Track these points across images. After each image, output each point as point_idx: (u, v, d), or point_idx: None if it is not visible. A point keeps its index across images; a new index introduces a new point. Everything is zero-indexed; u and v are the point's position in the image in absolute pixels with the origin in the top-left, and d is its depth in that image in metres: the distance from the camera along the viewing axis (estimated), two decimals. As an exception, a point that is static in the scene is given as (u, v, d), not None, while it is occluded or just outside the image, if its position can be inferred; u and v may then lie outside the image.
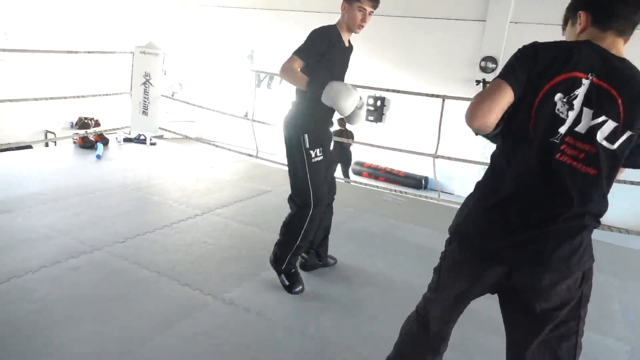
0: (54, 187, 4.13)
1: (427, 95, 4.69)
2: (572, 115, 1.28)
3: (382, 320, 2.56)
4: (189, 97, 10.27)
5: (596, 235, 4.52)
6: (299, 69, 2.47)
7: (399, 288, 2.95)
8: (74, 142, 5.76)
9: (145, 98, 5.58)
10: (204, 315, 2.45)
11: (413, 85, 9.52)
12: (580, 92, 1.28)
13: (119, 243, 3.15)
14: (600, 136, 1.28)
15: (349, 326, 2.48)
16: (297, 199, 2.66)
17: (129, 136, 6.22)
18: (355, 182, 5.63)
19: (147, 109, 5.60)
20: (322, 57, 2.51)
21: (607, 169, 1.32)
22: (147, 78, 5.54)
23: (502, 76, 1.33)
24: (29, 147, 7.19)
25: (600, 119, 1.28)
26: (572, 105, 1.28)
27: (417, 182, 10.27)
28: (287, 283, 2.75)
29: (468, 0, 9.47)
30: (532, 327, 1.41)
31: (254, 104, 6.51)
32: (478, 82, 9.36)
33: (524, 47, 1.37)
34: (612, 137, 1.28)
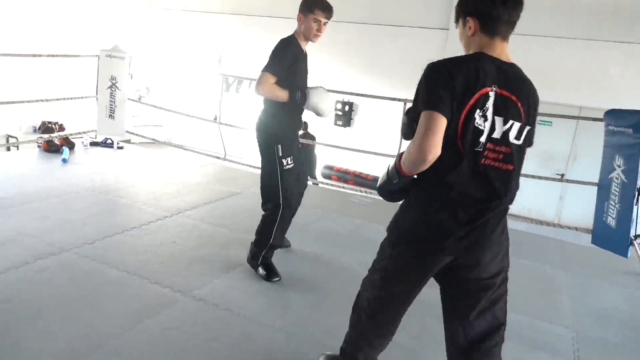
0: (18, 191, 4.09)
1: (389, 99, 4.88)
2: (487, 125, 1.50)
3: (346, 313, 2.68)
4: (156, 101, 10.19)
5: (548, 232, 4.79)
6: (274, 83, 2.66)
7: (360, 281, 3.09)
8: (39, 146, 5.68)
9: (111, 102, 5.57)
10: (173, 311, 2.52)
11: (378, 90, 9.75)
12: (490, 104, 1.48)
13: (87, 244, 3.17)
14: (511, 137, 1.54)
15: (314, 319, 2.60)
16: (270, 202, 2.90)
17: (95, 140, 6.17)
18: (323, 183, 5.77)
19: (113, 113, 5.59)
20: (289, 68, 2.70)
21: (519, 162, 1.59)
22: (114, 82, 5.53)
23: (432, 106, 1.46)
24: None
25: (509, 124, 1.52)
26: (487, 117, 1.49)
27: (385, 185, 10.50)
28: (264, 273, 2.96)
29: (431, 10, 9.80)
30: (476, 297, 1.64)
31: (223, 107, 6.57)
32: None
33: (437, 68, 1.51)
34: (518, 135, 1.55)
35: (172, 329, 2.37)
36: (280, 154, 2.80)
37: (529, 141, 1.61)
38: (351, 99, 10.57)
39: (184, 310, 2.54)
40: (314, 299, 2.82)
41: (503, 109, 1.50)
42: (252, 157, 4.34)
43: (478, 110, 1.47)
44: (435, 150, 1.45)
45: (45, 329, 2.25)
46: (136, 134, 6.33)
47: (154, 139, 6.60)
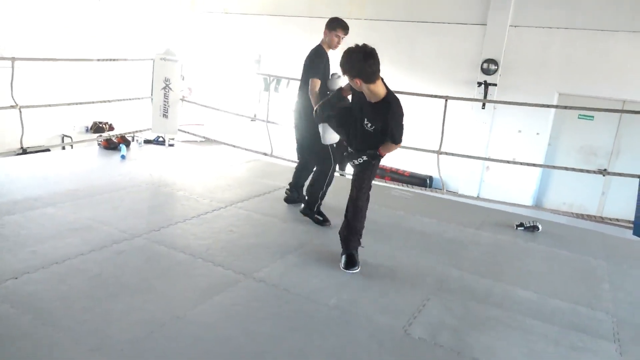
0: (87, 185, 4.48)
1: (430, 96, 5.03)
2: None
3: (393, 294, 2.90)
4: (198, 100, 10.63)
5: (590, 226, 4.83)
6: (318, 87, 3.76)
7: (407, 267, 3.29)
8: (99, 144, 6.12)
9: (165, 102, 5.94)
10: (237, 290, 2.79)
11: (416, 87, 9.85)
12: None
13: (154, 231, 3.49)
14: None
15: (365, 299, 2.82)
16: (324, 163, 3.86)
17: (148, 138, 6.58)
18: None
19: (167, 112, 5.97)
20: (323, 71, 3.79)
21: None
22: (167, 83, 5.91)
23: None
24: (47, 150, 7.57)
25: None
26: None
27: (422, 181, 10.58)
28: (320, 219, 3.90)
29: (469, 6, 9.81)
30: None
31: (265, 106, 6.86)
32: (480, 84, 9.70)
33: None
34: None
35: (237, 305, 2.64)
36: None
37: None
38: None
39: (247, 289, 2.81)
40: (364, 282, 3.03)
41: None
42: (293, 154, 4.59)
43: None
44: None
45: (130, 301, 2.56)
46: (187, 132, 6.71)
47: (204, 137, 6.96)
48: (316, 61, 3.81)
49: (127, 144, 6.21)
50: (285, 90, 12.38)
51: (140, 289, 2.69)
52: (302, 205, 4.05)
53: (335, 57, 3.58)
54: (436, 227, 4.20)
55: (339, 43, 3.91)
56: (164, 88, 5.91)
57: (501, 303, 2.93)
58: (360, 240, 3.29)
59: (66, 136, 10.64)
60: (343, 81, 3.49)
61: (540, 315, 2.84)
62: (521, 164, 5.16)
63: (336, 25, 3.88)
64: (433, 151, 4.83)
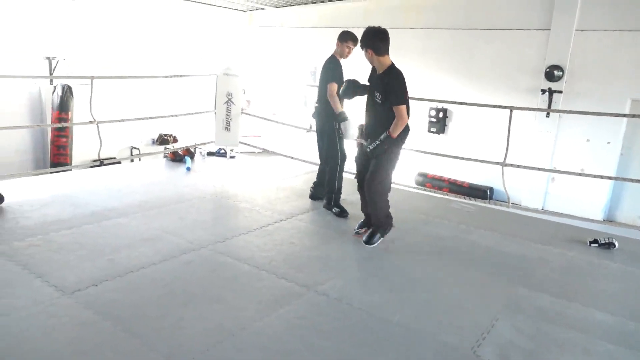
0: (156, 196, 4.71)
1: (495, 106, 4.88)
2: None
3: (459, 313, 2.82)
4: (255, 112, 10.93)
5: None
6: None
7: (474, 285, 3.19)
8: (165, 157, 6.43)
9: (227, 115, 6.15)
10: (301, 303, 2.82)
11: (474, 97, 9.61)
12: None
13: (220, 243, 3.61)
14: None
15: (430, 316, 2.76)
16: (332, 160, 4.43)
17: (211, 150, 6.84)
18: (426, 190, 5.86)
19: (229, 125, 6.17)
20: (339, 77, 4.34)
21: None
22: (229, 97, 6.12)
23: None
24: (118, 162, 8.04)
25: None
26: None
27: (482, 193, 10.26)
28: (338, 211, 4.38)
29: (531, 11, 9.48)
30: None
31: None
32: (544, 91, 9.31)
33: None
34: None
35: (301, 318, 2.67)
36: (337, 127, 4.24)
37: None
38: (445, 105, 10.50)
39: (310, 302, 2.84)
40: (428, 298, 2.98)
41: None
42: (351, 165, 4.62)
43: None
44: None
45: (200, 310, 2.66)
46: (248, 144, 6.90)
47: (263, 149, 7.13)
48: (332, 67, 4.39)
49: (192, 156, 6.49)
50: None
51: (208, 299, 2.79)
52: (324, 201, 4.58)
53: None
54: (501, 242, 4.05)
55: (349, 53, 4.48)
56: (227, 102, 6.12)
57: (576, 325, 2.78)
58: (391, 223, 3.77)
59: (134, 148, 11.27)
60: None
61: (621, 340, 2.66)
62: (590, 176, 4.87)
63: (347, 38, 4.44)
64: (497, 163, 4.68)
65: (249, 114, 8.49)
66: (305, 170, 6.36)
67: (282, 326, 2.57)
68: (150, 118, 6.05)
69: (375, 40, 3.58)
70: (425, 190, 6.40)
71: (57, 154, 9.19)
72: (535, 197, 9.68)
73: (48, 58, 9.52)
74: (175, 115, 6.34)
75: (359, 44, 4.06)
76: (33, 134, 9.62)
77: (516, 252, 3.84)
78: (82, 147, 9.28)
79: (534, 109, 5.19)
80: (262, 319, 2.62)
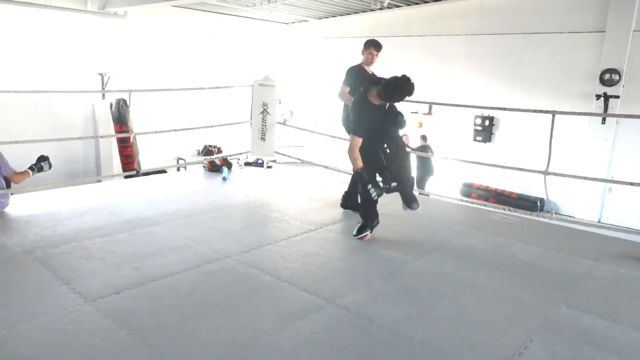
0: (189, 205, 4.77)
1: (533, 111, 4.61)
2: None
3: (489, 332, 2.62)
4: (298, 123, 10.98)
5: None
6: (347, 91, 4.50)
7: (508, 302, 2.97)
8: (204, 167, 6.54)
9: (263, 125, 6.18)
10: (320, 317, 2.72)
11: (523, 104, 9.20)
12: None
13: (245, 253, 3.58)
14: None
15: (455, 335, 2.58)
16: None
17: (248, 160, 6.89)
18: (464, 200, 5.61)
19: (264, 136, 6.20)
20: (353, 82, 4.49)
21: None
22: (265, 107, 6.15)
23: None
24: (164, 171, 8.29)
25: None
26: None
27: (532, 204, 9.75)
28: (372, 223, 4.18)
29: (584, 13, 8.98)
30: None
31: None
32: (599, 96, 8.75)
33: None
34: None
35: (319, 332, 2.57)
36: None
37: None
38: (491, 113, 10.12)
39: (329, 316, 2.73)
40: (457, 315, 2.79)
41: None
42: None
43: None
44: None
45: (215, 321, 2.62)
46: (283, 154, 6.90)
47: (299, 159, 7.12)
48: (348, 72, 4.61)
49: (229, 166, 6.56)
50: (382, 110, 12.28)
51: (225, 310, 2.74)
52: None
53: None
54: (543, 256, 3.77)
55: (372, 59, 4.59)
56: (262, 112, 6.15)
57: (622, 350, 2.51)
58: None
59: (180, 159, 11.62)
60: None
61: (675, 369, 2.37)
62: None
63: (369, 45, 4.56)
64: (539, 171, 4.39)
65: (290, 125, 8.52)
66: (341, 180, 6.26)
67: (297, 341, 2.48)
68: (185, 129, 6.20)
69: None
70: (461, 201, 6.14)
71: (126, 163, 9.69)
72: (590, 209, 9.09)
73: (101, 74, 10.03)
74: (211, 126, 6.44)
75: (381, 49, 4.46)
76: (85, 147, 10.13)
77: (559, 268, 3.56)
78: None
79: (578, 113, 4.85)
80: (277, 332, 2.54)
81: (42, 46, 9.18)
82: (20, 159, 4.83)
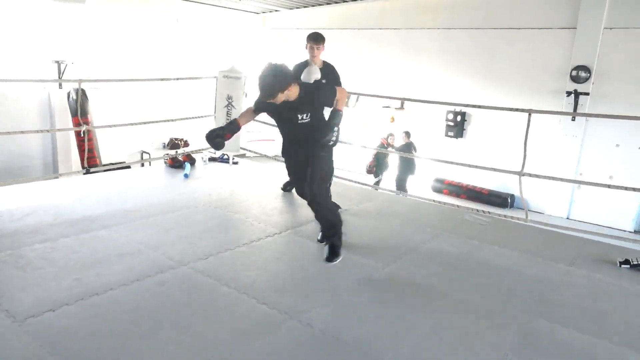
0: (146, 204, 4.42)
1: (511, 109, 4.45)
2: None
3: (464, 351, 2.42)
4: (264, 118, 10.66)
5: None
6: None
7: (482, 315, 2.78)
8: (165, 162, 6.17)
9: (227, 119, 5.85)
10: (280, 334, 2.47)
11: (495, 99, 9.13)
12: None
13: (202, 260, 3.29)
14: None
15: (427, 353, 2.37)
16: None
17: (213, 156, 6.55)
18: (435, 201, 5.45)
19: (230, 130, 5.86)
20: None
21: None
22: (230, 101, 5.82)
23: None
24: (128, 167, 7.85)
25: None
26: None
27: (503, 201, 9.76)
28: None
29: (556, 9, 8.95)
30: None
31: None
32: (569, 93, 8.76)
33: None
34: None
35: (277, 353, 2.32)
36: None
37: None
38: (463, 108, 10.03)
39: (291, 334, 2.48)
40: (427, 330, 2.59)
41: None
42: (358, 173, 4.24)
43: None
44: None
45: (163, 341, 2.33)
46: (249, 150, 6.60)
47: (264, 155, 6.82)
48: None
49: (193, 162, 6.20)
50: (354, 105, 12.09)
51: (176, 328, 2.46)
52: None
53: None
54: (518, 261, 3.62)
55: (314, 54, 4.45)
56: (227, 106, 5.82)
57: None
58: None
59: (145, 152, 11.11)
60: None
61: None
62: (620, 188, 4.38)
63: (308, 39, 4.45)
64: (515, 172, 4.24)
65: (257, 120, 8.19)
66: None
67: (253, 364, 2.22)
68: (144, 123, 5.80)
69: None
70: (432, 201, 5.99)
71: (90, 157, 9.06)
72: (559, 205, 9.14)
73: (57, 62, 9.44)
74: (173, 120, 6.07)
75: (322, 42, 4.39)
76: (42, 139, 9.54)
77: (535, 274, 3.40)
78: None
79: (555, 112, 4.74)
80: (232, 353, 2.27)
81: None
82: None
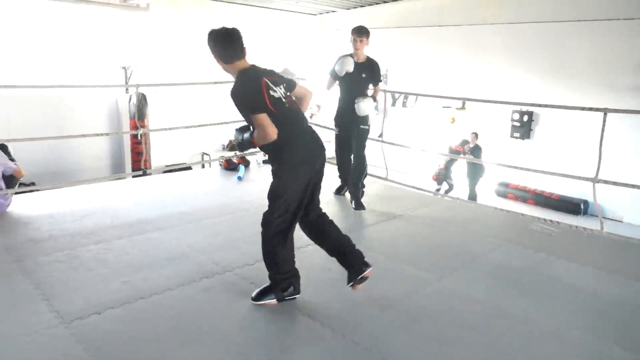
0: (199, 207, 4.46)
1: (583, 109, 4.05)
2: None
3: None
4: (326, 118, 10.58)
5: None
6: None
7: (547, 338, 2.50)
8: (220, 165, 6.24)
9: (280, 121, 5.81)
10: (322, 348, 2.34)
11: (566, 98, 8.49)
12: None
13: (248, 265, 3.22)
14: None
15: (484, 381, 2.14)
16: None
17: (266, 158, 6.54)
18: (497, 208, 5.09)
19: (283, 132, 5.82)
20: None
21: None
22: (283, 102, 5.77)
23: None
24: (189, 168, 8.05)
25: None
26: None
27: (574, 207, 9.04)
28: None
29: (635, -4, 8.16)
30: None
31: (386, 123, 6.35)
32: (652, 89, 7.96)
33: None
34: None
35: (320, 370, 2.19)
36: None
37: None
38: (530, 107, 9.42)
39: (333, 349, 2.34)
40: (484, 354, 2.35)
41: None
42: (416, 177, 4.04)
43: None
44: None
45: (201, 351, 2.27)
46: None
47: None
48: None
49: (247, 164, 6.24)
50: (413, 105, 11.74)
51: (213, 339, 2.39)
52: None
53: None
54: (591, 278, 3.25)
55: (356, 46, 4.52)
56: (280, 108, 5.78)
57: None
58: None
59: (206, 154, 11.41)
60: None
61: None
62: None
63: (351, 31, 4.54)
64: (587, 179, 3.84)
65: (313, 123, 8.14)
66: (367, 180, 5.83)
67: (292, 382, 2.10)
68: (200, 126, 5.96)
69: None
70: (495, 208, 5.63)
71: (136, 161, 9.45)
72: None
73: (124, 68, 9.89)
74: (225, 123, 6.11)
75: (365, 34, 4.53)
76: (111, 141, 10.04)
77: (610, 294, 3.03)
78: (158, 153, 9.53)
79: (634, 112, 4.26)
80: (270, 369, 2.17)
81: (66, 39, 9.09)
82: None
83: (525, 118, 9.62)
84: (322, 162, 2.72)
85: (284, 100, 2.59)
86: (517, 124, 9.72)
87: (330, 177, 4.85)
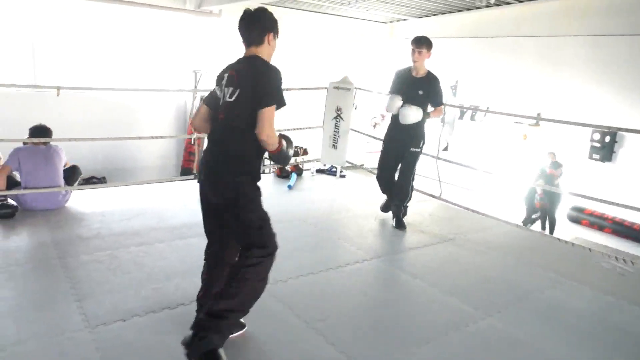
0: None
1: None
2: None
3: None
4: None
5: None
6: None
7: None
8: (272, 172, 6.22)
9: (335, 132, 5.69)
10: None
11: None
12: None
13: (281, 282, 3.10)
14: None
15: None
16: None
17: (321, 167, 6.44)
18: (561, 240, 4.62)
19: (336, 143, 5.70)
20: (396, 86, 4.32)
21: (228, 113, 2.36)
22: (339, 112, 5.65)
23: None
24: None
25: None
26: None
27: (660, 239, 8.10)
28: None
29: None
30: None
31: (448, 138, 6.04)
32: None
33: None
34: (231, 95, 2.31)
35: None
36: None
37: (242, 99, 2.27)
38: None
39: (355, 388, 2.15)
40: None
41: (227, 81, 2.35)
42: (469, 198, 3.73)
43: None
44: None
45: (213, 376, 2.16)
46: (354, 164, 6.37)
47: (370, 170, 6.51)
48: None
49: (300, 172, 6.17)
50: (482, 119, 11.17)
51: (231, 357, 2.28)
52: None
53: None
54: (669, 331, 2.80)
55: (414, 58, 4.13)
56: (335, 117, 5.66)
57: None
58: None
59: (265, 158, 11.53)
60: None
61: None
62: None
63: (411, 42, 4.18)
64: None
65: (365, 134, 7.95)
66: (419, 198, 5.54)
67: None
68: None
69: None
70: (558, 239, 5.14)
71: (187, 160, 9.75)
72: None
73: (195, 72, 10.25)
74: (286, 130, 6.08)
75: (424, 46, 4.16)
76: (177, 142, 10.44)
77: (692, 354, 2.58)
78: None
79: None
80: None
81: (142, 44, 9.56)
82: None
83: (608, 139, 8.77)
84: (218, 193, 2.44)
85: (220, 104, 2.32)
86: (597, 144, 8.88)
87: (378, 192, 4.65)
